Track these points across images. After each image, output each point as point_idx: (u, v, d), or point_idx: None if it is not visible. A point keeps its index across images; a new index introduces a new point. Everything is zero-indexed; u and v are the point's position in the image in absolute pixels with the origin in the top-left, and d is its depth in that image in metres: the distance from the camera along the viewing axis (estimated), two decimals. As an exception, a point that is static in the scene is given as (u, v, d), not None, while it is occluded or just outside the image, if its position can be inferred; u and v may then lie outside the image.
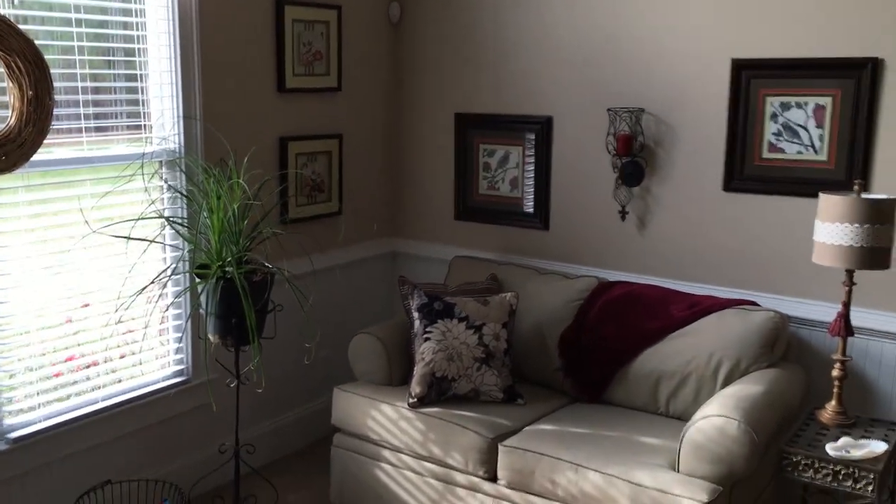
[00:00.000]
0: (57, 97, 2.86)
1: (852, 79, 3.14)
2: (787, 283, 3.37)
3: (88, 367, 3.15)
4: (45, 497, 3.03)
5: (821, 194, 2.79)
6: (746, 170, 3.41)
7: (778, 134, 3.33)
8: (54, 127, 2.88)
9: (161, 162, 3.26)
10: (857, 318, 2.97)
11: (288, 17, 3.65)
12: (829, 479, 2.65)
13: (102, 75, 3.09)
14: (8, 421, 2.91)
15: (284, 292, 3.13)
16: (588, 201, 3.82)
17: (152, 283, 2.96)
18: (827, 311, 3.25)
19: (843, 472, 2.62)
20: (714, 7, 3.40)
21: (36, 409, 2.99)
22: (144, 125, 3.23)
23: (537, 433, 3.10)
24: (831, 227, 2.71)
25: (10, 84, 2.41)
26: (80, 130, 3.00)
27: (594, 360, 3.41)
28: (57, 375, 3.07)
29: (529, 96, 3.92)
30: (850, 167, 3.19)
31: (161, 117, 3.26)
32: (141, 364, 3.33)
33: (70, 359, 3.10)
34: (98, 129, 3.07)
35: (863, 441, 2.71)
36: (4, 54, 2.36)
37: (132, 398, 3.27)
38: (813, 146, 3.27)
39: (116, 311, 3.01)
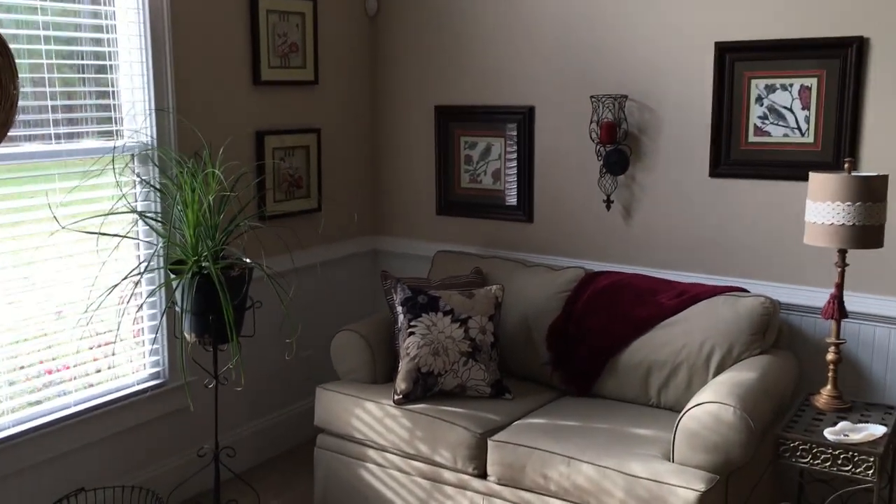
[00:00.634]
0: (23, 89, 2.76)
1: (837, 59, 3.10)
2: (776, 269, 3.32)
3: (60, 370, 3.02)
4: (18, 506, 2.91)
5: (811, 174, 2.73)
6: (732, 154, 3.36)
7: (763, 117, 3.28)
8: (22, 119, 2.78)
9: (133, 155, 3.15)
10: (848, 302, 2.91)
11: (262, 7, 3.55)
12: (828, 464, 2.58)
13: (71, 66, 2.98)
14: (-25, 427, 2.78)
15: (262, 289, 3.03)
16: (572, 192, 3.75)
17: (125, 279, 2.85)
18: (816, 297, 3.20)
19: (842, 457, 2.56)
20: (696, -10, 3.36)
21: (6, 415, 2.86)
22: (115, 118, 3.12)
23: (527, 427, 3.01)
24: (823, 206, 2.66)
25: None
26: (47, 123, 2.89)
27: (583, 351, 3.33)
28: (28, 380, 2.94)
29: (510, 86, 3.85)
30: (837, 148, 3.14)
31: (132, 109, 3.15)
32: (115, 366, 3.21)
33: (40, 361, 2.98)
34: (67, 122, 2.96)
35: (861, 425, 2.65)
36: (-37, 39, 2.25)
37: (106, 402, 3.15)
38: (799, 128, 3.22)
39: (87, 311, 2.89)
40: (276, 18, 3.64)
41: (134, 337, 3.28)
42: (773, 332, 3.14)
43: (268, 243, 3.26)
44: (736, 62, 3.30)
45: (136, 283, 2.98)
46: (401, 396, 3.16)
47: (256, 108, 3.63)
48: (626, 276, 3.45)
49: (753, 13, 3.24)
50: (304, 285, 3.82)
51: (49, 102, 2.88)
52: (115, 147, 3.02)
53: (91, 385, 3.13)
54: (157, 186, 3.12)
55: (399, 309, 3.29)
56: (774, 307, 3.13)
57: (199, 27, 3.34)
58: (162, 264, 3.06)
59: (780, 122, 3.25)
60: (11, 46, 2.50)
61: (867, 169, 3.07)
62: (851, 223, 2.61)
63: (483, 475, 2.98)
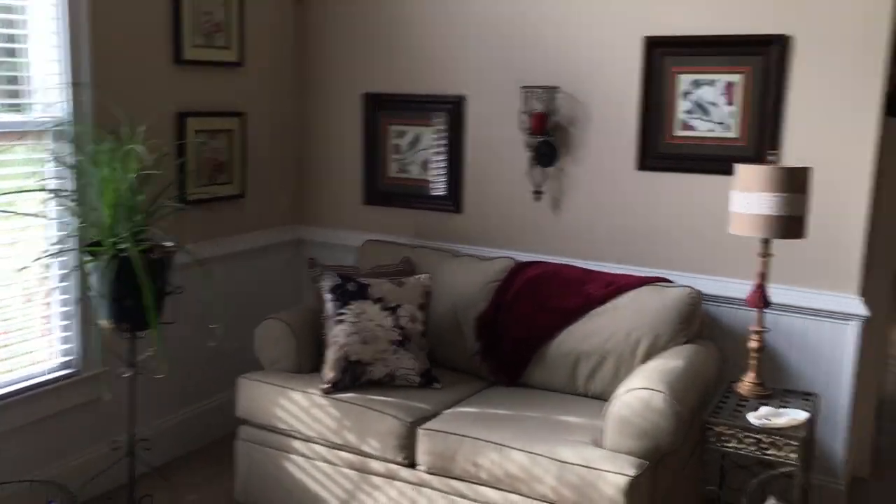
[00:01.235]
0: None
1: (762, 56, 3.19)
2: (699, 260, 3.39)
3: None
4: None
5: (738, 165, 2.79)
6: (659, 148, 3.41)
7: (690, 111, 3.35)
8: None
9: (46, 131, 2.97)
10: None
11: (185, -18, 3.42)
12: (753, 448, 2.64)
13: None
14: None
15: (182, 276, 2.91)
16: (502, 183, 3.74)
17: (36, 261, 2.68)
18: (737, 288, 3.29)
19: (766, 441, 2.62)
20: (627, -15, 3.40)
21: None
22: (26, 90, 2.93)
23: (457, 416, 2.98)
24: (748, 196, 2.72)
25: None
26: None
27: (511, 341, 3.33)
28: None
29: (441, 75, 3.82)
30: (760, 143, 3.23)
31: (45, 83, 2.98)
32: (24, 354, 3.02)
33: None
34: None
35: (783, 410, 2.72)
36: None
37: (14, 392, 2.96)
38: (724, 123, 3.30)
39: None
40: (199, -5, 3.51)
41: (45, 323, 3.09)
42: (696, 321, 3.20)
43: (188, 228, 3.13)
44: (664, 57, 3.35)
45: (48, 267, 2.81)
46: (329, 385, 3.08)
47: (178, 87, 3.48)
48: (555, 266, 3.46)
49: (682, 9, 3.30)
50: (225, 274, 3.70)
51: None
52: (26, 122, 2.84)
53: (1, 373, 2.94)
54: (71, 164, 2.95)
55: (328, 296, 3.21)
56: (699, 297, 3.19)
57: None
58: (76, 246, 2.90)
59: (706, 117, 3.32)
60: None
61: (787, 164, 3.16)
62: (776, 213, 2.68)
63: (412, 464, 2.94)
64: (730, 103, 3.27)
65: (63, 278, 3.03)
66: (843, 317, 3.15)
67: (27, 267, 2.71)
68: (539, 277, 3.41)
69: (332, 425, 3.02)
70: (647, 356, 3.10)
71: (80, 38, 3.02)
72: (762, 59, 3.18)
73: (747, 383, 2.94)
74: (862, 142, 3.06)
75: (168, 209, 2.91)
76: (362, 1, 3.95)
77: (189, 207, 3.29)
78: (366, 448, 2.98)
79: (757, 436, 2.64)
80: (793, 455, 2.58)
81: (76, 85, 3.03)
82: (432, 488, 2.90)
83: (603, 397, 3.17)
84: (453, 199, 3.87)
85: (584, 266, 3.48)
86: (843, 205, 3.11)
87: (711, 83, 3.29)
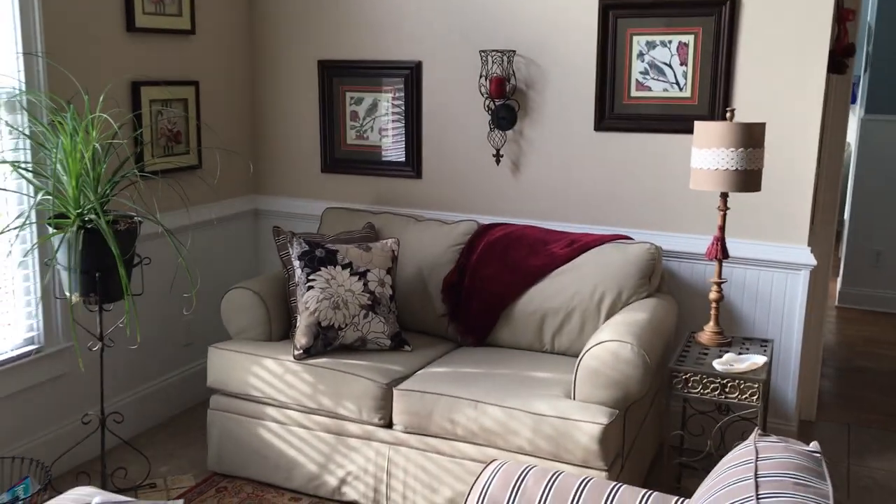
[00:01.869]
0: None
1: (712, 16, 3.28)
2: (656, 218, 3.50)
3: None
4: None
5: (696, 122, 2.89)
6: (616, 108, 3.50)
7: (644, 72, 3.43)
8: None
9: (-1, 102, 2.89)
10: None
11: (135, -53, 3.34)
12: (717, 392, 2.77)
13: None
14: None
15: (144, 248, 2.88)
16: (462, 147, 3.78)
17: (1, 233, 2.62)
18: (692, 243, 3.41)
19: (729, 385, 2.75)
20: (581, -52, 3.45)
21: None
22: (-24, 60, 2.85)
23: (431, 375, 3.04)
24: (708, 152, 2.82)
25: None
26: None
27: (478, 302, 3.39)
28: None
29: (397, 41, 3.82)
30: (712, 101, 3.34)
31: (-4, 52, 2.89)
32: (-15, 332, 2.96)
33: None
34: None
35: (743, 356, 2.85)
36: None
37: (-24, 371, 2.90)
38: (678, 83, 3.39)
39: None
40: (150, -39, 3.43)
41: (8, 300, 3.03)
42: (657, 276, 3.31)
43: (147, 200, 3.09)
44: (619, 19, 3.42)
45: (12, 241, 2.75)
46: (301, 352, 3.10)
47: (131, 56, 3.41)
48: (519, 227, 3.53)
49: (636, -29, 3.37)
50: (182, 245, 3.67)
51: None
52: (-21, 92, 2.76)
53: (-40, 352, 2.88)
54: (27, 134, 2.87)
55: (296, 263, 3.21)
56: (658, 253, 3.30)
57: (69, -34, 3.10)
58: (36, 219, 2.84)
59: (661, 78, 3.41)
60: None
61: (738, 120, 3.28)
62: (735, 168, 2.79)
63: (389, 425, 2.99)
64: (683, 63, 3.37)
65: (25, 253, 2.96)
66: (794, 267, 3.30)
67: (-10, 241, 2.64)
68: (502, 239, 3.47)
69: (307, 390, 3.05)
70: (611, 311, 3.20)
71: (30, 6, 2.93)
72: (713, 20, 3.28)
73: (708, 332, 3.07)
74: (809, 98, 3.20)
75: (130, 179, 2.87)
76: (314, -34, 3.92)
77: (147, 179, 3.24)
78: (342, 411, 3.01)
79: (721, 380, 2.76)
80: (754, 398, 2.72)
81: (28, 55, 2.94)
82: (409, 447, 2.96)
83: (569, 353, 3.28)
84: (413, 165, 3.90)
85: (547, 227, 3.56)
86: (792, 159, 3.25)
87: (665, 44, 3.38)
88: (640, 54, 3.42)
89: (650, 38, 3.40)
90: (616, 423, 2.74)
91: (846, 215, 5.78)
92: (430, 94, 3.81)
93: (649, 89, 3.44)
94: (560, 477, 1.77)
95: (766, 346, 3.07)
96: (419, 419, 2.91)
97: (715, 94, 3.33)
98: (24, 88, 2.93)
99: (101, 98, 2.82)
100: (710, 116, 3.33)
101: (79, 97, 2.84)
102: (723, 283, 3.05)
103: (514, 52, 3.59)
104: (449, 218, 3.75)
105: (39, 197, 2.69)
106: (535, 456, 2.77)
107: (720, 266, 3.02)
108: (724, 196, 2.95)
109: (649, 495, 1.73)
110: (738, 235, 3.33)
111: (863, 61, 5.61)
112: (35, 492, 2.69)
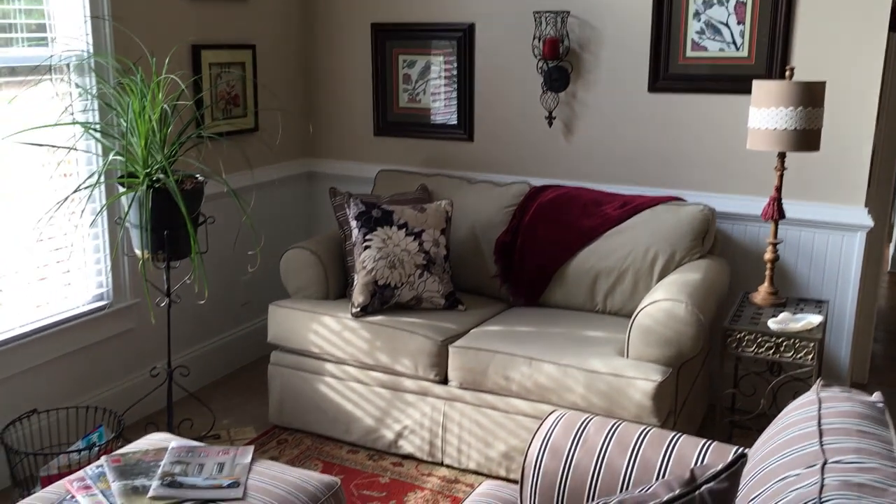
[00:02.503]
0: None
1: (772, -25, 3.24)
2: (711, 179, 3.50)
3: (2, 292, 2.89)
4: (-36, 432, 2.79)
5: (755, 81, 2.87)
6: (671, 69, 3.48)
7: (700, 32, 3.41)
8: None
9: (69, 65, 2.99)
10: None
11: (196, -88, 3.40)
12: (772, 351, 2.79)
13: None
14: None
15: (207, 208, 2.97)
16: (514, 109, 3.80)
17: (75, 192, 2.73)
18: (747, 204, 3.41)
19: (784, 344, 2.77)
20: None
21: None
22: (49, 24, 2.93)
23: (485, 334, 3.10)
24: (766, 112, 2.81)
25: None
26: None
27: (531, 262, 3.43)
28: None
29: (450, 3, 3.84)
30: (770, 62, 3.30)
31: (67, 17, 2.97)
32: (60, 288, 3.08)
33: (-19, 283, 2.84)
34: (-3, 28, 2.77)
35: (798, 315, 2.86)
36: None
37: (52, 323, 3.03)
38: (734, 43, 3.36)
39: (35, 228, 2.75)
40: (209, -74, 3.48)
41: (79, 257, 3.15)
42: (710, 237, 3.32)
43: (207, 161, 3.18)
44: (675, -22, 3.40)
45: (87, 199, 2.86)
46: (358, 309, 3.18)
47: (192, 20, 3.49)
48: (571, 189, 3.55)
49: (693, -71, 3.34)
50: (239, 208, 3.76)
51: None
52: (51, 56, 2.85)
53: (38, 306, 3.00)
54: (97, 96, 2.97)
55: (353, 223, 3.29)
56: (712, 214, 3.30)
57: (132, -69, 3.17)
58: (105, 179, 2.95)
59: (717, 37, 3.39)
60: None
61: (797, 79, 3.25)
62: (793, 127, 2.78)
63: (444, 381, 3.07)
64: (740, 23, 3.33)
65: (97, 211, 3.08)
66: (850, 228, 3.28)
67: (67, 198, 2.75)
68: (555, 200, 3.50)
69: (364, 347, 3.14)
70: (664, 272, 3.22)
71: (97, -30, 3.01)
72: (772, -22, 3.24)
73: (762, 292, 3.08)
74: (870, 56, 3.15)
75: (194, 141, 2.96)
76: (368, -71, 3.94)
77: (210, 137, 3.33)
78: (398, 367, 3.09)
79: (775, 340, 2.78)
80: (809, 357, 2.73)
81: (95, 18, 3.03)
82: (464, 402, 3.03)
83: (622, 313, 3.31)
84: (465, 127, 3.93)
85: (599, 188, 3.58)
86: (851, 118, 3.21)
87: (722, 3, 3.35)
88: (696, 13, 3.39)
89: (707, -3, 3.36)
90: (669, 381, 2.78)
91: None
92: (482, 57, 3.83)
93: (705, 49, 3.41)
94: (621, 426, 1.82)
95: (820, 306, 3.07)
96: (474, 375, 2.98)
97: (773, 54, 3.29)
98: (91, 51, 3.01)
99: (167, 60, 2.90)
100: (768, 76, 3.30)
101: (144, 60, 2.92)
102: (778, 243, 3.04)
103: (567, 12, 3.58)
104: (501, 180, 3.79)
105: (110, 157, 2.78)
106: (588, 412, 2.82)
107: (776, 226, 3.02)
108: (782, 156, 2.94)
109: (708, 444, 1.77)
110: (794, 196, 3.31)
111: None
112: (109, 439, 2.83)
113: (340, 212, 3.40)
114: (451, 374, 3.04)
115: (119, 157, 2.81)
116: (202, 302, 2.92)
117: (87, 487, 2.01)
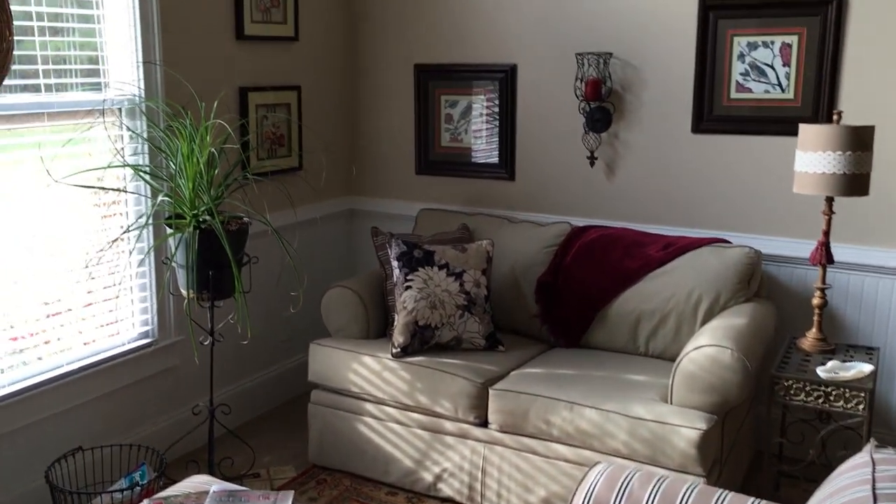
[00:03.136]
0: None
1: (817, 16, 3.21)
2: (755, 221, 3.45)
3: (50, 330, 2.95)
4: (14, 466, 2.83)
5: (801, 125, 2.84)
6: (715, 110, 3.46)
7: (745, 73, 3.38)
8: (16, 69, 2.68)
9: (121, 109, 3.06)
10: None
11: (245, -40, 3.48)
12: (821, 401, 2.72)
13: (58, 16, 2.87)
14: (-32, 388, 2.70)
15: (251, 247, 3.01)
16: (555, 149, 3.80)
17: (125, 233, 2.78)
18: (794, 247, 3.35)
19: (834, 393, 2.70)
20: (680, -52, 3.43)
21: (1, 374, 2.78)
22: (102, 70, 3.02)
23: (525, 376, 3.08)
24: (813, 155, 2.77)
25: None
26: (36, 74, 2.79)
27: (572, 303, 3.41)
28: (14, 340, 2.86)
29: (492, 44, 3.87)
30: (816, 104, 3.27)
31: (120, 62, 3.06)
32: (108, 325, 3.14)
33: (36, 319, 2.89)
34: (55, 74, 2.86)
35: (848, 363, 2.79)
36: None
37: (97, 362, 3.08)
38: (780, 84, 3.33)
39: (86, 267, 2.82)
40: (258, -29, 3.57)
41: (127, 293, 3.21)
42: (756, 280, 3.26)
43: (251, 201, 3.23)
44: (719, 20, 3.38)
45: (137, 239, 2.91)
46: (398, 350, 3.18)
47: (240, 63, 3.56)
48: (613, 229, 3.53)
49: (737, -29, 3.33)
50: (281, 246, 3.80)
51: (38, 53, 2.77)
52: (104, 100, 2.93)
53: (85, 343, 3.06)
54: (147, 139, 3.04)
55: (394, 263, 3.30)
56: (758, 256, 3.26)
57: (184, -22, 3.26)
58: (152, 220, 3.01)
59: (762, 79, 3.36)
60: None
61: (845, 123, 3.20)
62: (841, 171, 2.73)
63: (484, 424, 3.04)
64: (786, 64, 3.31)
65: (146, 251, 3.13)
66: (901, 273, 3.21)
67: (117, 239, 2.81)
68: (597, 241, 3.48)
69: (404, 388, 3.13)
70: (708, 315, 3.17)
71: (150, 19, 3.10)
72: (818, 20, 3.21)
73: (810, 339, 3.01)
74: (920, 99, 3.10)
75: (241, 182, 3.00)
76: (412, -28, 4.00)
77: (255, 178, 3.38)
78: (438, 409, 3.08)
79: (825, 388, 2.71)
80: (860, 407, 2.66)
81: (147, 63, 3.11)
82: (504, 446, 3.01)
83: (665, 356, 3.26)
84: (506, 167, 3.94)
85: (641, 229, 3.55)
86: (900, 162, 3.15)
87: (767, 45, 3.32)
88: (741, 55, 3.37)
89: (751, 38, 3.35)
90: (715, 429, 2.72)
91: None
92: (524, 97, 3.84)
93: (750, 91, 3.39)
94: (666, 482, 1.79)
95: (871, 353, 2.99)
96: (514, 419, 2.96)
97: (819, 96, 3.26)
98: (143, 96, 3.09)
99: (215, 104, 2.96)
100: (814, 118, 3.26)
101: (193, 103, 2.99)
102: (827, 288, 2.98)
103: (610, 54, 3.59)
104: (542, 219, 3.78)
105: (159, 199, 2.84)
106: (631, 459, 2.78)
107: (824, 271, 2.96)
108: (830, 200, 2.89)
109: None
110: (842, 239, 3.24)
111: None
112: (152, 478, 2.85)
113: (382, 251, 3.41)
114: (492, 416, 3.01)
115: (167, 199, 2.86)
116: (245, 342, 2.95)
117: (130, 530, 2.02)
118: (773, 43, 3.32)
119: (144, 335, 3.29)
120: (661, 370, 3.09)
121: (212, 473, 3.11)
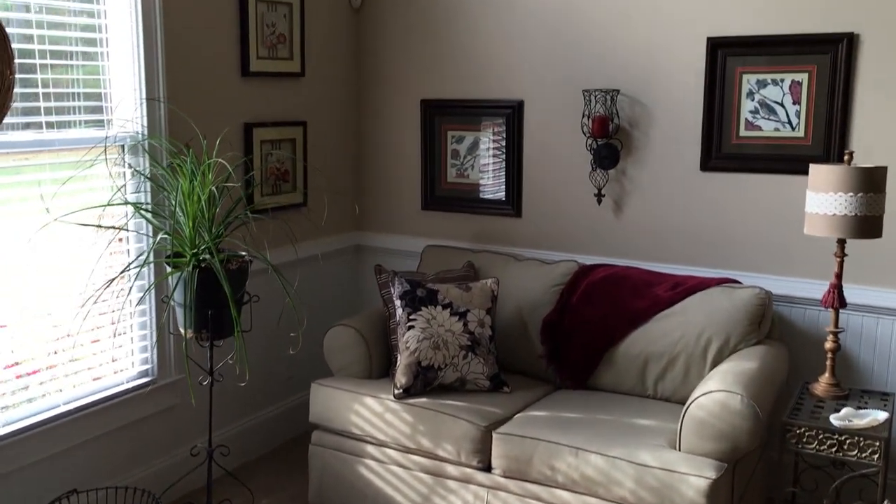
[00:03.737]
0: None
1: (827, 54, 3.17)
2: (766, 261, 3.38)
3: (47, 369, 2.91)
4: (6, 510, 2.78)
5: (812, 165, 2.79)
6: (724, 148, 3.41)
7: (755, 111, 3.34)
8: (17, 106, 2.67)
9: (123, 146, 3.05)
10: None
11: (251, -4, 3.49)
12: (834, 449, 2.63)
13: (61, 53, 2.86)
14: (-38, 429, 2.66)
15: (252, 285, 2.97)
16: (562, 186, 3.76)
17: (123, 273, 2.75)
18: (806, 288, 3.28)
19: (847, 442, 2.61)
20: (688, -14, 3.40)
21: (-7, 415, 2.75)
22: (105, 107, 3.01)
23: (530, 419, 3.01)
24: (824, 196, 2.71)
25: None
26: (38, 111, 2.77)
27: (579, 344, 3.34)
28: (18, 377, 2.82)
29: (499, 80, 3.84)
30: (827, 142, 3.21)
31: (123, 98, 3.05)
32: (105, 364, 3.09)
33: (32, 358, 2.86)
34: (57, 111, 2.85)
35: (863, 411, 2.71)
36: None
37: (95, 401, 3.03)
38: (790, 123, 3.28)
39: (83, 305, 2.78)
40: (264, 8, 3.56)
41: (124, 333, 3.17)
42: (767, 322, 3.19)
43: (254, 237, 3.19)
44: (728, 57, 3.35)
45: (135, 278, 2.88)
46: (401, 391, 3.12)
47: (245, 99, 3.55)
48: (621, 268, 3.47)
49: (745, 8, 3.30)
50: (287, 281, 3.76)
51: (41, 89, 2.77)
52: (107, 137, 2.92)
53: (82, 383, 3.01)
54: (149, 177, 3.02)
55: (397, 302, 3.25)
56: (769, 298, 3.18)
57: (190, 14, 3.25)
58: (153, 258, 2.97)
59: (772, 117, 3.31)
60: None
61: (856, 163, 3.14)
62: (853, 213, 2.67)
63: (487, 468, 2.97)
64: (796, 103, 3.26)
65: (145, 289, 3.10)
66: (917, 315, 3.13)
67: (115, 279, 2.77)
68: (605, 280, 3.42)
69: (406, 430, 3.06)
70: (718, 358, 3.10)
71: (154, 54, 3.09)
72: (829, 58, 3.17)
73: (823, 384, 2.93)
74: (934, 139, 3.04)
75: (242, 220, 2.97)
76: (418, 8, 3.99)
77: (255, 217, 3.35)
78: (440, 452, 3.01)
79: (838, 437, 2.62)
80: (875, 456, 2.57)
81: (151, 100, 3.10)
82: (508, 491, 2.93)
83: (673, 399, 3.18)
84: (513, 203, 3.89)
85: (649, 268, 3.49)
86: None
87: (776, 83, 3.28)
88: (750, 93, 3.33)
89: (761, 76, 3.30)
90: (725, 478, 2.64)
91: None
92: (531, 133, 3.81)
93: (759, 129, 3.34)
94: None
95: (886, 399, 2.90)
96: (518, 464, 2.88)
97: (830, 134, 3.20)
98: (146, 133, 3.07)
99: (218, 141, 2.93)
100: (825, 157, 3.20)
101: (196, 140, 2.97)
102: (839, 332, 2.91)
103: (617, 91, 3.55)
104: (549, 257, 3.72)
105: (159, 237, 2.81)
106: (638, 508, 2.70)
107: (836, 315, 2.89)
108: (842, 242, 2.83)
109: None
110: (855, 281, 3.17)
111: None
112: (147, 521, 2.79)
113: (385, 290, 3.36)
114: (495, 461, 2.94)
115: (167, 237, 2.83)
116: (243, 384, 2.89)
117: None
118: (782, 81, 3.27)
119: (144, 374, 3.25)
120: (670, 414, 3.01)
121: (209, 516, 3.04)
